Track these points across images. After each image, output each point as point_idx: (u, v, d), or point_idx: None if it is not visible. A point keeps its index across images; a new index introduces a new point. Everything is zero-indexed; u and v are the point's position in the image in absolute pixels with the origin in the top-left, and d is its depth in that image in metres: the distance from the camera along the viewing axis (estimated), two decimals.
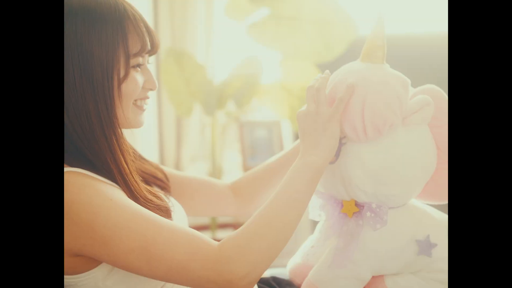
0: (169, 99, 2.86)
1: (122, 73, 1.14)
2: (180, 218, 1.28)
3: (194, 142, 3.41)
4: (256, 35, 2.74)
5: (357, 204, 1.24)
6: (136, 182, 1.15)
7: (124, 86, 1.15)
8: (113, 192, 1.09)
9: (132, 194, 1.13)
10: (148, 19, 3.11)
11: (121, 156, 1.14)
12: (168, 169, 1.43)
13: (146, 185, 1.24)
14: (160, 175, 1.34)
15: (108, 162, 1.12)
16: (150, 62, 1.24)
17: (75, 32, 1.10)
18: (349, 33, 2.68)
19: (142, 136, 2.91)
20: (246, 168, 3.22)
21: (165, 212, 1.18)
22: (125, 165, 1.14)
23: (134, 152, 1.33)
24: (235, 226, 3.01)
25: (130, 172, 1.15)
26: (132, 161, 1.25)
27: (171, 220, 1.18)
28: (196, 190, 1.43)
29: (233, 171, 3.25)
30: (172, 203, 1.26)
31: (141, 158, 1.35)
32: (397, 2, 3.38)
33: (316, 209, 1.30)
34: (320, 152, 1.15)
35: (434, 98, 1.25)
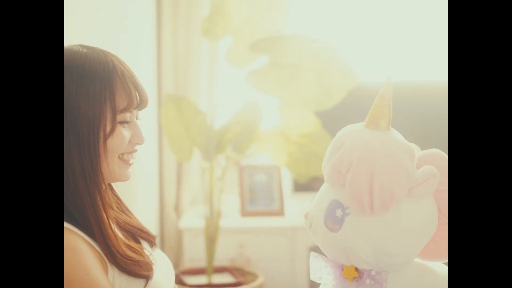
0: (169, 144, 2.89)
1: (108, 128, 1.16)
2: (163, 270, 1.28)
3: (194, 186, 3.43)
4: (255, 82, 2.78)
5: (357, 270, 1.23)
6: (115, 238, 1.16)
7: (110, 141, 1.16)
8: (92, 265, 1.10)
9: (110, 250, 1.14)
10: (152, 65, 3.17)
11: (102, 211, 1.15)
12: None
13: (132, 239, 1.26)
14: (145, 228, 1.35)
15: (89, 217, 1.13)
16: (140, 118, 1.25)
17: (63, 87, 1.12)
18: (348, 81, 2.71)
19: (143, 180, 2.94)
20: (244, 212, 3.23)
21: (145, 267, 1.18)
22: (106, 221, 1.15)
23: (120, 205, 1.34)
24: (231, 270, 3.00)
25: (110, 227, 1.16)
26: (115, 216, 1.26)
27: (152, 273, 1.19)
28: None
29: (231, 214, 3.26)
30: (155, 256, 1.26)
31: (128, 211, 1.36)
32: (396, 51, 3.43)
33: (317, 271, 1.28)
34: None
35: (439, 162, 1.23)
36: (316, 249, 3.37)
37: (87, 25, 2.18)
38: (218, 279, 2.94)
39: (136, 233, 1.30)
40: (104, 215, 1.15)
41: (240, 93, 3.29)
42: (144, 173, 2.96)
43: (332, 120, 3.15)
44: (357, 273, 1.23)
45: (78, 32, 2.04)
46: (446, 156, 1.24)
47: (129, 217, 1.33)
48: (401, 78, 3.36)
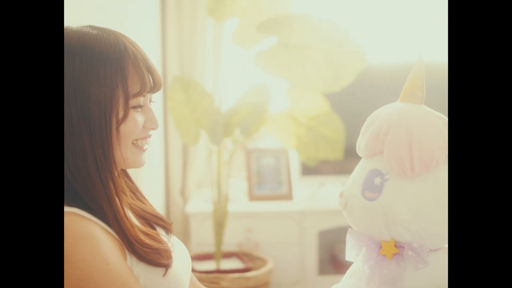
0: (175, 127, 2.84)
1: (121, 114, 1.11)
2: (181, 258, 1.24)
3: (200, 169, 3.39)
4: (263, 64, 2.73)
5: (396, 245, 1.21)
6: (132, 226, 1.12)
7: (122, 127, 1.12)
8: (111, 253, 1.06)
9: (127, 239, 1.10)
10: (156, 47, 3.12)
11: (116, 199, 1.11)
12: None
13: (148, 226, 1.21)
14: (160, 215, 1.30)
15: (103, 206, 1.09)
16: (154, 101, 1.21)
17: (73, 71, 1.07)
18: (358, 62, 2.66)
19: (148, 164, 2.89)
20: (252, 196, 3.19)
21: (165, 254, 1.14)
22: (121, 209, 1.11)
23: (136, 191, 1.30)
24: (239, 255, 2.97)
25: (126, 216, 1.11)
26: (129, 202, 1.22)
27: (171, 261, 1.15)
28: None
29: (239, 198, 3.22)
30: (173, 243, 1.22)
31: (142, 197, 1.32)
32: (407, 30, 3.37)
33: (354, 249, 1.26)
34: None
35: None
36: (324, 233, 3.33)
37: (91, 4, 2.13)
38: (226, 264, 2.91)
39: (152, 220, 1.26)
40: (118, 203, 1.11)
41: (247, 75, 3.24)
42: (150, 156, 2.91)
43: (342, 102, 3.11)
44: (397, 249, 1.20)
45: (82, 11, 1.99)
46: None
47: (144, 203, 1.29)
48: (412, 58, 3.31)
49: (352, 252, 1.26)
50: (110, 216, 1.09)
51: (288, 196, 3.20)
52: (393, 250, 1.20)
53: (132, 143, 1.15)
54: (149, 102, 1.19)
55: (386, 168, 1.20)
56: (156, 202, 3.08)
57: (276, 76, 2.77)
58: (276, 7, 2.74)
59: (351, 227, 1.26)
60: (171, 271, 1.14)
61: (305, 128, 2.87)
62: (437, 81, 3.04)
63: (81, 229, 1.04)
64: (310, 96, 2.84)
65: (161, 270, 1.13)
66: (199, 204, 3.16)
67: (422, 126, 1.18)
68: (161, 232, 1.24)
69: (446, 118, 1.22)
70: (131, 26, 2.62)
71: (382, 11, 3.35)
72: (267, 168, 3.27)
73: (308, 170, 3.31)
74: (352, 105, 3.10)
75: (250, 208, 3.13)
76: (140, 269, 1.11)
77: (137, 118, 1.13)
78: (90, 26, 1.14)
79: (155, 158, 3.10)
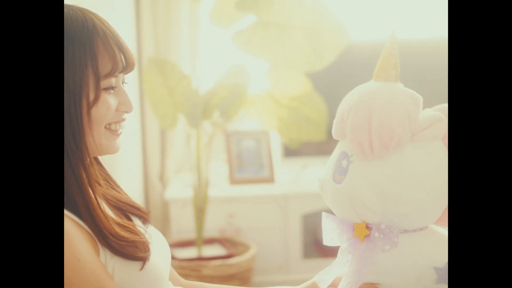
0: (152, 110, 2.75)
1: (91, 97, 1.03)
2: (159, 249, 1.17)
3: (179, 153, 3.31)
4: (242, 44, 2.63)
5: (368, 227, 1.21)
6: (106, 218, 1.04)
7: (94, 111, 1.04)
8: (82, 249, 0.99)
9: (101, 232, 1.03)
10: (130, 27, 3.02)
11: (89, 190, 1.03)
12: None
13: (123, 216, 1.14)
14: (137, 204, 1.22)
15: (75, 197, 1.02)
16: (127, 82, 1.13)
17: None
18: (340, 40, 2.58)
19: (125, 149, 2.80)
20: (233, 180, 3.11)
21: (142, 247, 1.07)
22: (94, 200, 1.04)
23: (108, 180, 1.22)
24: (221, 241, 2.90)
25: (99, 207, 1.04)
26: (103, 192, 1.15)
27: (149, 254, 1.08)
28: None
29: (220, 183, 3.14)
30: (150, 234, 1.15)
31: (116, 186, 1.23)
32: (391, 8, 3.30)
33: (329, 233, 1.25)
34: None
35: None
36: (308, 217, 3.30)
37: None
38: (208, 251, 2.84)
39: (127, 210, 1.19)
40: (91, 194, 1.03)
41: (226, 55, 3.15)
42: (126, 141, 2.82)
43: (324, 82, 3.03)
44: (368, 231, 1.21)
45: None
46: None
47: (119, 192, 1.22)
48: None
49: (327, 236, 1.25)
50: (82, 208, 1.02)
51: (270, 179, 3.13)
52: (365, 232, 1.21)
53: (105, 127, 1.08)
54: (122, 83, 1.11)
55: (351, 150, 1.19)
56: (134, 188, 3.00)
57: (256, 56, 2.68)
58: None
59: (327, 212, 1.26)
60: (148, 264, 1.07)
61: (287, 109, 2.80)
62: (415, 57, 2.99)
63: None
64: (291, 76, 2.77)
65: (138, 264, 1.06)
66: (179, 189, 3.07)
67: (383, 105, 1.15)
68: (137, 222, 1.17)
69: (418, 96, 1.20)
70: (103, 5, 2.52)
71: None
72: (247, 151, 3.20)
73: (290, 152, 3.24)
74: (335, 84, 3.02)
75: (231, 193, 3.05)
76: (115, 263, 1.05)
77: (109, 100, 1.06)
78: (79, 9, 1.07)
79: (131, 143, 3.01)
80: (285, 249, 3.03)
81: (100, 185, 1.16)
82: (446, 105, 1.22)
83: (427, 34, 3.26)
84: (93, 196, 1.04)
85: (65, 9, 1.04)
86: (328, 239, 1.25)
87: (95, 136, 1.06)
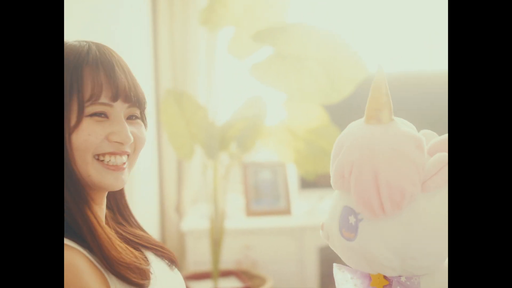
0: (169, 141, 2.75)
1: (72, 122, 1.02)
2: (165, 283, 1.15)
3: (196, 184, 3.31)
4: (259, 75, 2.64)
5: (386, 277, 1.13)
6: (108, 238, 1.04)
7: (74, 137, 1.02)
8: (92, 284, 0.98)
9: (101, 251, 1.02)
10: (148, 60, 3.04)
11: (88, 211, 1.03)
12: None
13: (132, 247, 1.13)
14: (159, 243, 1.21)
15: (77, 219, 1.02)
16: (138, 116, 1.11)
17: None
18: (357, 73, 2.57)
19: (142, 179, 2.81)
20: (249, 212, 3.10)
21: (140, 274, 1.05)
22: (94, 220, 1.03)
23: (130, 219, 1.21)
24: (237, 273, 2.88)
25: (99, 225, 1.04)
26: (120, 228, 1.15)
27: (148, 283, 1.06)
28: None
29: (236, 214, 3.13)
30: (164, 272, 1.14)
31: (139, 228, 1.22)
32: (408, 40, 3.31)
33: (343, 285, 1.18)
34: None
35: None
36: (325, 249, 3.27)
37: (80, 16, 2.05)
38: (224, 283, 2.81)
39: (142, 245, 1.17)
40: (89, 212, 1.03)
41: (242, 87, 3.16)
42: (143, 172, 2.83)
43: (342, 114, 3.01)
44: (387, 281, 1.13)
45: (71, 26, 1.91)
46: None
47: (141, 232, 1.21)
48: (410, 68, 3.23)
49: (343, 286, 1.17)
50: (84, 227, 1.01)
51: (287, 211, 3.11)
52: (383, 282, 1.13)
53: (97, 159, 1.05)
54: (131, 117, 1.09)
55: (358, 207, 1.10)
56: (150, 219, 3.00)
57: (273, 87, 2.69)
58: (271, 16, 2.67)
59: (335, 263, 1.18)
60: None
61: (303, 142, 2.79)
62: (438, 90, 2.97)
63: (64, 258, 0.97)
64: (308, 108, 2.76)
65: None
66: (195, 220, 3.06)
67: (388, 161, 1.06)
68: (149, 256, 1.15)
69: (421, 138, 1.10)
70: (122, 38, 2.54)
71: (382, 20, 3.28)
72: (264, 182, 3.18)
73: (306, 183, 3.23)
74: (353, 116, 3.00)
75: (247, 225, 3.03)
76: None
77: (93, 127, 1.03)
78: (85, 41, 1.08)
79: (148, 174, 3.02)
80: (302, 282, 2.99)
81: (114, 221, 1.16)
82: (429, 131, 1.17)
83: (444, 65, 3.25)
84: (92, 215, 1.03)
85: (74, 42, 1.06)
86: None
87: (79, 164, 1.04)
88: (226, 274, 2.90)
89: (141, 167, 2.73)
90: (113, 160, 1.06)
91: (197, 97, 3.04)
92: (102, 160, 1.05)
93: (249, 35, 2.61)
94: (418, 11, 3.26)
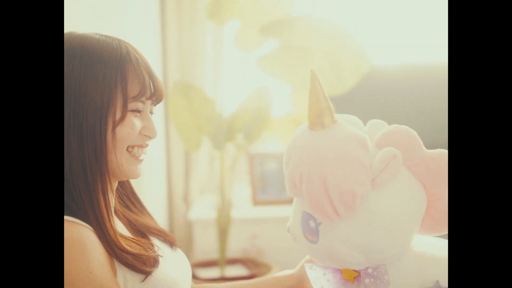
0: (177, 133, 2.81)
1: (118, 115, 1.09)
2: (175, 269, 1.21)
3: (203, 175, 3.36)
4: (265, 67, 2.69)
5: (355, 270, 1.18)
6: (113, 230, 1.09)
7: (119, 129, 1.10)
8: (96, 261, 1.03)
9: (108, 243, 1.07)
10: (156, 52, 3.08)
11: (101, 200, 1.08)
12: None
13: (140, 235, 1.19)
14: (163, 229, 1.27)
15: (85, 205, 1.07)
16: (154, 112, 1.19)
17: (71, 70, 1.07)
18: (361, 65, 2.61)
19: (150, 170, 2.86)
20: (256, 202, 3.15)
21: (148, 261, 1.11)
22: (104, 211, 1.08)
23: (137, 205, 1.27)
24: (243, 261, 2.93)
25: (109, 220, 1.09)
26: (127, 214, 1.21)
27: (155, 268, 1.12)
28: None
29: (243, 204, 3.18)
30: (169, 255, 1.20)
31: (145, 213, 1.28)
32: (412, 31, 3.34)
33: (318, 281, 1.20)
34: None
35: (401, 139, 1.13)
36: None
37: (88, 10, 2.09)
38: (231, 271, 2.87)
39: (148, 231, 1.23)
40: (102, 204, 1.08)
41: (248, 79, 3.21)
42: (151, 163, 2.88)
43: (346, 105, 3.05)
44: (357, 272, 1.17)
45: (78, 17, 1.96)
46: (408, 129, 1.13)
47: (147, 218, 1.27)
48: (413, 59, 3.27)
49: (317, 284, 1.20)
50: (92, 218, 1.06)
51: (292, 201, 3.15)
52: (354, 274, 1.17)
53: (127, 150, 1.13)
54: (150, 112, 1.17)
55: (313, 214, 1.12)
56: (158, 209, 3.05)
57: (279, 79, 2.73)
58: (276, 9, 2.70)
59: (307, 263, 1.21)
60: (161, 277, 1.12)
61: None
62: (442, 83, 3.00)
63: (70, 234, 1.02)
64: None
65: (142, 276, 1.10)
66: (202, 210, 3.12)
67: (334, 166, 1.07)
68: (155, 241, 1.22)
69: (363, 136, 1.11)
70: (130, 31, 2.59)
71: (386, 12, 3.31)
72: (270, 172, 3.23)
73: None
74: (357, 108, 3.05)
75: (254, 214, 3.09)
76: (126, 274, 1.09)
77: (134, 121, 1.12)
78: (94, 33, 1.14)
79: (156, 165, 3.07)
80: None
81: (125, 205, 1.21)
82: (395, 126, 1.15)
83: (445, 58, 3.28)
84: (103, 205, 1.08)
85: (102, 37, 1.12)
86: (319, 286, 1.20)
87: (118, 154, 1.10)
88: (232, 262, 2.95)
89: (149, 158, 2.78)
90: (140, 151, 1.15)
91: (205, 89, 3.08)
92: (130, 152, 1.13)
93: (255, 28, 2.65)
94: (420, 5, 3.29)
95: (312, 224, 1.13)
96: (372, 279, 1.13)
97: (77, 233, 1.03)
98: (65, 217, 1.04)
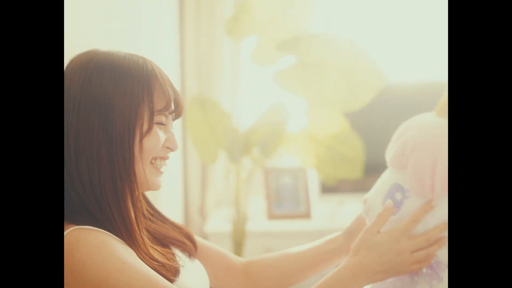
0: (194, 146, 2.84)
1: (145, 127, 1.14)
2: (194, 280, 1.24)
3: (219, 188, 3.39)
4: (282, 83, 2.72)
5: None
6: (142, 239, 1.13)
7: (146, 140, 1.14)
8: (126, 254, 1.07)
9: (137, 250, 1.11)
10: (175, 66, 3.13)
11: (130, 207, 1.12)
12: None
13: (160, 245, 1.23)
14: (181, 237, 1.31)
15: (114, 215, 1.10)
16: (174, 127, 1.23)
17: (100, 83, 1.11)
18: (376, 81, 2.64)
19: (167, 183, 2.89)
20: (271, 215, 3.17)
21: (171, 270, 1.15)
22: (133, 218, 1.12)
23: (157, 215, 1.31)
24: None
25: (138, 228, 1.13)
26: (148, 224, 1.24)
27: (178, 277, 1.16)
28: (207, 259, 1.39)
29: (258, 217, 3.21)
30: (188, 265, 1.24)
31: (165, 221, 1.32)
32: (427, 49, 3.35)
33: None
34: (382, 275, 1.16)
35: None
36: None
37: (106, 26, 2.14)
38: None
39: (169, 241, 1.28)
40: (133, 215, 1.12)
41: (265, 94, 3.24)
42: (168, 175, 2.91)
43: (361, 121, 3.09)
44: None
45: (94, 34, 2.00)
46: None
47: (165, 228, 1.30)
48: (431, 77, 3.29)
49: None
50: (120, 223, 1.10)
51: (307, 215, 3.18)
52: None
53: (150, 162, 1.17)
54: (171, 127, 1.21)
55: (408, 185, 1.19)
56: (175, 221, 3.07)
57: (295, 95, 2.77)
58: (293, 25, 2.74)
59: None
60: (180, 286, 1.15)
61: (324, 148, 2.86)
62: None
63: (94, 238, 1.06)
64: (329, 115, 2.82)
65: None
66: (218, 223, 3.14)
67: (447, 150, 1.15)
68: (176, 251, 1.26)
69: None
70: (149, 46, 2.63)
71: (401, 29, 3.34)
72: (285, 187, 3.25)
73: (327, 188, 3.29)
74: (372, 124, 3.09)
75: (269, 228, 3.11)
76: None
77: (159, 134, 1.16)
78: (118, 50, 1.18)
79: (173, 177, 3.10)
80: None
81: (144, 216, 1.24)
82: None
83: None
84: (133, 216, 1.12)
85: (127, 54, 1.16)
86: None
87: (144, 165, 1.15)
88: None
89: (166, 170, 2.82)
90: (162, 163, 1.19)
91: (222, 103, 3.12)
92: (153, 163, 1.17)
93: (272, 44, 2.69)
94: (436, 23, 3.31)
95: (398, 196, 1.20)
96: (429, 270, 1.17)
97: (100, 237, 1.07)
98: (88, 227, 1.08)
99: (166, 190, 2.84)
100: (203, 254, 1.39)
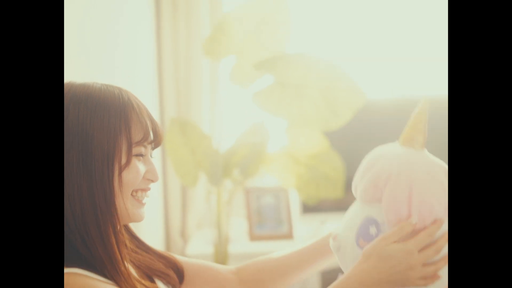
0: (174, 169, 2.82)
1: (123, 160, 1.11)
2: None
3: (200, 209, 3.36)
4: (261, 103, 2.72)
5: None
6: (128, 275, 1.11)
7: (125, 174, 1.11)
8: None
9: (124, 284, 1.09)
10: (153, 88, 3.11)
11: (115, 246, 1.10)
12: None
13: (146, 278, 1.21)
14: (165, 269, 1.29)
15: (99, 252, 1.08)
16: (154, 156, 1.21)
17: (77, 116, 1.08)
18: (355, 100, 2.65)
19: (147, 205, 2.86)
20: (253, 236, 3.15)
21: None
22: (118, 256, 1.10)
23: (138, 243, 1.29)
24: None
25: (123, 263, 1.11)
26: (132, 256, 1.23)
27: None
28: (196, 275, 1.37)
29: (239, 239, 3.18)
30: None
31: (148, 249, 1.30)
32: (406, 67, 3.38)
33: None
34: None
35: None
36: (328, 273, 3.28)
37: (83, 48, 2.12)
38: None
39: (153, 274, 1.25)
40: (117, 250, 1.10)
41: (244, 114, 3.23)
42: (149, 198, 2.88)
43: (341, 140, 3.09)
44: None
45: (73, 60, 1.98)
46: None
47: (150, 259, 1.28)
48: (412, 94, 3.31)
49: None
50: (105, 259, 1.08)
51: (289, 235, 3.16)
52: None
53: (131, 194, 1.14)
54: (150, 156, 1.19)
55: (382, 218, 1.17)
56: (155, 244, 3.02)
57: (274, 115, 2.76)
58: (271, 45, 2.75)
59: (326, 275, 1.25)
60: None
61: (305, 167, 2.86)
62: (436, 117, 3.02)
63: (82, 282, 1.04)
64: (309, 134, 2.83)
65: None
66: (200, 245, 3.11)
67: (423, 180, 1.15)
68: (160, 285, 1.24)
69: (446, 166, 1.19)
70: (126, 67, 2.62)
71: (380, 47, 3.36)
72: (267, 207, 3.24)
73: (308, 208, 3.28)
74: (352, 142, 3.09)
75: (251, 249, 3.08)
76: None
77: (138, 166, 1.14)
78: (94, 82, 1.16)
79: (154, 200, 3.08)
80: None
81: (126, 247, 1.22)
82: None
83: (442, 91, 3.32)
84: (117, 252, 1.10)
85: (103, 85, 1.14)
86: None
87: (124, 198, 1.12)
88: None
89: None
90: (143, 195, 1.17)
91: (201, 125, 3.11)
92: (134, 196, 1.15)
93: (251, 64, 2.69)
94: (417, 38, 3.34)
95: (372, 230, 1.18)
96: None
97: (88, 282, 1.05)
98: (77, 271, 1.06)
99: (147, 212, 2.80)
100: (192, 273, 1.37)
